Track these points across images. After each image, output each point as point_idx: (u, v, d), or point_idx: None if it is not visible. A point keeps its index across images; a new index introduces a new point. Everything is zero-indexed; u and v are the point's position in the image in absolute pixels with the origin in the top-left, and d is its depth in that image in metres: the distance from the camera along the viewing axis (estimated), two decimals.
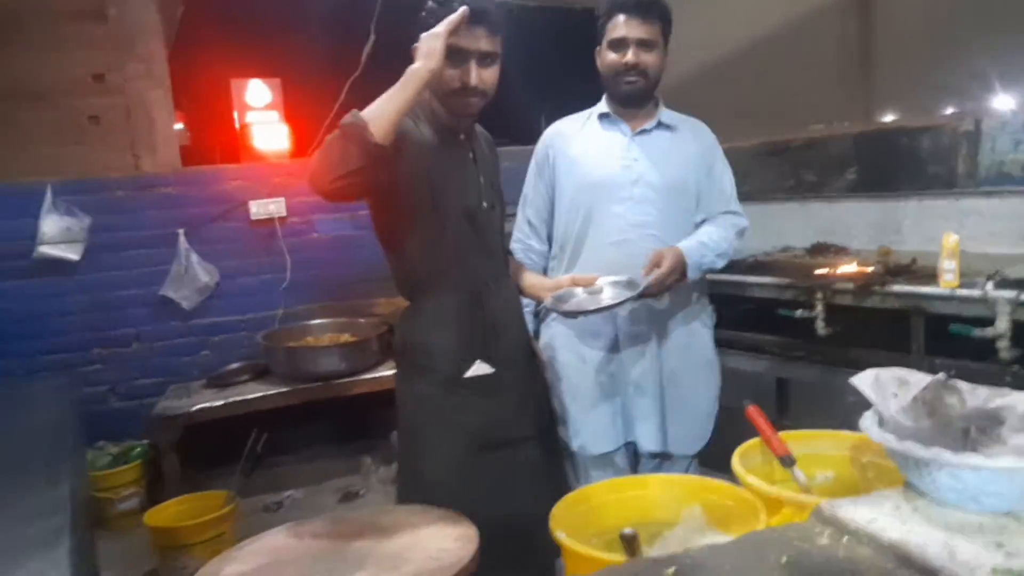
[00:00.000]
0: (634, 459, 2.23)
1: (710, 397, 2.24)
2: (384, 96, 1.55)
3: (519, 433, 1.87)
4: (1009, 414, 1.00)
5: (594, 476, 2.14)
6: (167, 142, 3.40)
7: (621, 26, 2.04)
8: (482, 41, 1.67)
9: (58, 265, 3.14)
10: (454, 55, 1.63)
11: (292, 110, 3.84)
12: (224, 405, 3.03)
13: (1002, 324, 1.89)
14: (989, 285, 1.94)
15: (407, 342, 1.82)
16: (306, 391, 3.13)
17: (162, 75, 3.36)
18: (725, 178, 2.27)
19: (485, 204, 1.85)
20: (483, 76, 1.69)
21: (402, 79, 1.58)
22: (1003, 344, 1.90)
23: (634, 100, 2.13)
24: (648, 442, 2.13)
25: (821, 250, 2.98)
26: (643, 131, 2.14)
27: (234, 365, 3.32)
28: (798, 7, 4.08)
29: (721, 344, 2.79)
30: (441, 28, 1.58)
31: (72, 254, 3.15)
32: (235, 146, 3.78)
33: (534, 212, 2.23)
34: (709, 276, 2.53)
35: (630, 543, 1.06)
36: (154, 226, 3.30)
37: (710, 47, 4.26)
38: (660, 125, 2.16)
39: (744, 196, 3.54)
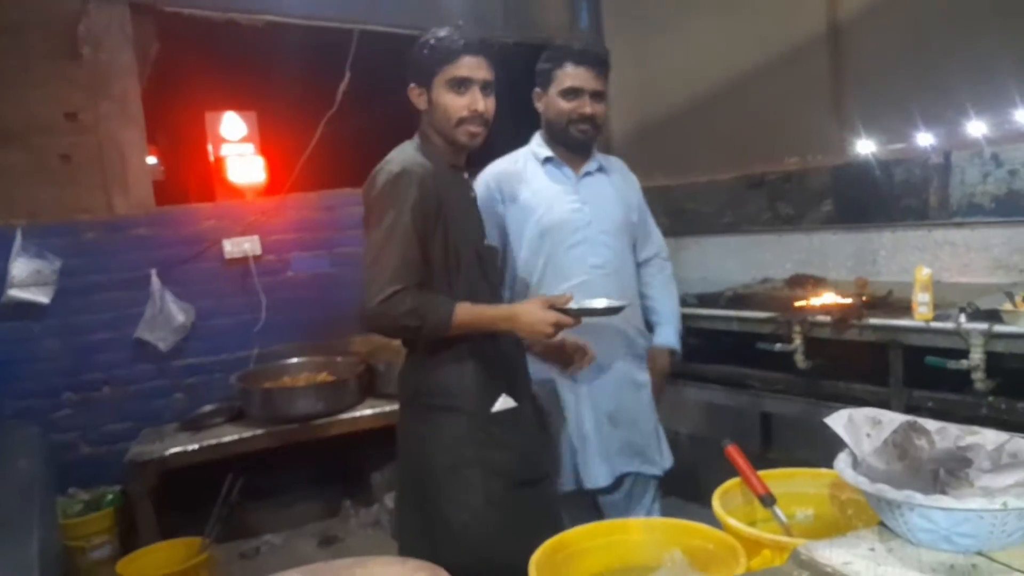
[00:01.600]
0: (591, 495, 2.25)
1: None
2: (475, 317, 1.70)
3: (543, 469, 1.89)
4: (976, 454, 0.99)
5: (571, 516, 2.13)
6: (140, 181, 3.37)
7: (574, 76, 2.11)
8: (483, 70, 1.74)
9: (27, 309, 3.08)
10: (458, 85, 1.71)
11: (267, 144, 3.84)
12: (198, 449, 2.97)
13: (976, 356, 1.90)
14: (962, 317, 1.95)
15: (425, 384, 1.77)
16: (283, 433, 3.07)
17: (136, 114, 3.34)
18: (649, 216, 2.42)
19: (487, 241, 1.89)
20: (487, 104, 1.75)
21: (497, 319, 1.72)
22: (978, 376, 1.90)
23: (583, 148, 2.21)
24: (607, 477, 2.18)
25: (799, 282, 3.00)
26: (587, 174, 2.22)
27: (208, 408, 3.26)
28: (771, 43, 4.15)
29: (700, 377, 2.80)
30: (554, 322, 1.70)
31: (42, 297, 3.09)
32: (210, 180, 3.77)
33: None
34: (689, 311, 2.60)
35: None
36: (127, 268, 3.25)
37: (686, 82, 4.33)
38: (600, 168, 2.25)
39: (724, 228, 3.61)
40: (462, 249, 1.74)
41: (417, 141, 1.80)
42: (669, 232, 3.83)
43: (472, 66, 1.72)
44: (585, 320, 1.93)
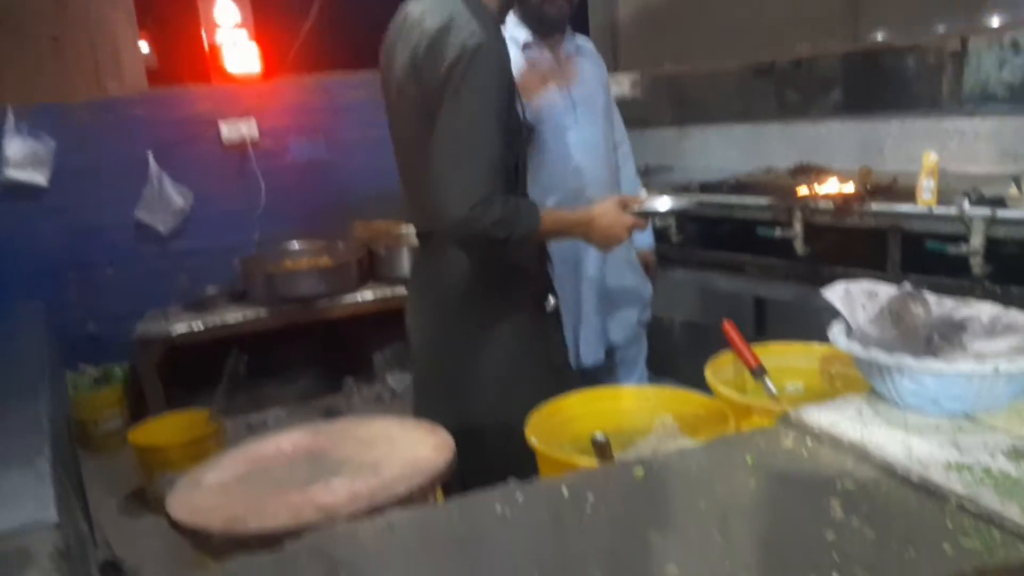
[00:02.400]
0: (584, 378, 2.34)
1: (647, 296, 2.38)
2: (557, 224, 1.59)
3: (567, 357, 1.92)
4: (972, 322, 1.02)
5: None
6: (132, 64, 3.29)
7: None
8: None
9: (26, 191, 3.08)
10: None
11: (262, 29, 3.70)
12: (204, 329, 3.04)
13: (976, 241, 1.91)
14: (966, 203, 1.95)
15: (483, 278, 1.61)
16: (285, 313, 3.14)
17: None
18: (613, 100, 2.36)
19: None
20: None
21: (577, 224, 1.61)
22: (976, 260, 1.92)
23: (559, 24, 2.10)
24: (597, 354, 2.25)
25: (803, 171, 2.97)
26: (567, 55, 2.16)
27: (212, 290, 3.30)
28: None
29: (699, 264, 2.83)
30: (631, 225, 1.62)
31: (39, 178, 3.08)
32: (204, 68, 3.66)
33: None
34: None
35: (602, 448, 1.09)
36: (122, 149, 3.22)
37: None
38: (578, 49, 2.19)
39: (729, 118, 3.54)
40: (520, 130, 1.56)
41: None
42: (674, 121, 3.80)
43: None
44: (580, 202, 1.94)
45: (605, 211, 1.60)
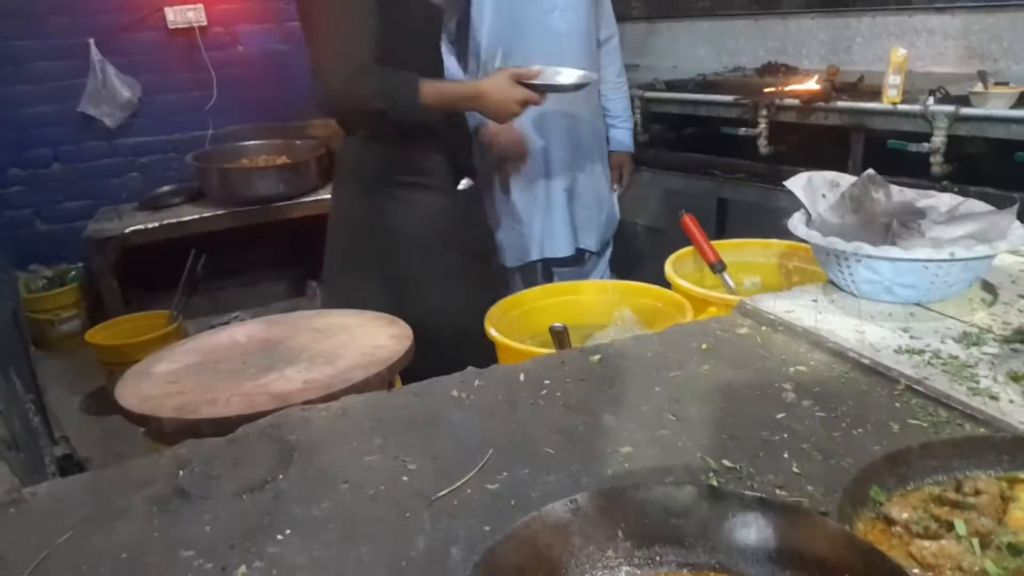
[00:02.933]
0: (548, 270, 2.38)
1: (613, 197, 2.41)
2: (442, 97, 1.57)
3: (492, 242, 1.93)
4: (930, 212, 1.02)
5: (519, 285, 2.29)
6: None
7: None
8: None
9: None
10: None
11: None
12: (159, 227, 2.94)
13: (938, 139, 1.91)
14: (930, 100, 1.93)
15: (391, 163, 1.66)
16: (244, 214, 3.05)
17: None
18: None
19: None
20: None
21: (464, 97, 1.61)
22: (937, 159, 1.92)
23: None
24: (567, 247, 2.27)
25: (771, 70, 2.91)
26: None
27: (166, 187, 3.19)
28: None
29: (663, 165, 2.79)
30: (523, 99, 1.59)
31: None
32: None
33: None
34: (652, 95, 2.57)
35: (559, 336, 1.09)
36: (60, 35, 3.01)
37: None
38: None
39: (699, 12, 3.42)
40: (411, 9, 1.56)
41: None
42: (641, 15, 3.67)
43: None
44: (548, 101, 1.87)
45: (496, 85, 1.59)
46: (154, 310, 2.84)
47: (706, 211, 2.95)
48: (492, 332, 1.17)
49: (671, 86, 2.75)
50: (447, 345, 1.36)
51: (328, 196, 3.12)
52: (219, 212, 3.02)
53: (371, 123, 1.63)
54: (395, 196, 1.69)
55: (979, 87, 1.90)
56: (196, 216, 3.00)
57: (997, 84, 1.94)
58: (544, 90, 1.68)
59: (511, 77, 1.61)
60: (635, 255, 2.91)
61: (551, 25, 2.04)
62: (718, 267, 1.46)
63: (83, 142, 3.15)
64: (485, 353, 1.24)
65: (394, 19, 1.52)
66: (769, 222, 2.18)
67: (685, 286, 1.30)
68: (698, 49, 3.42)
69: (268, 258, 3.56)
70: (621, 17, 3.67)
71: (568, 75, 1.77)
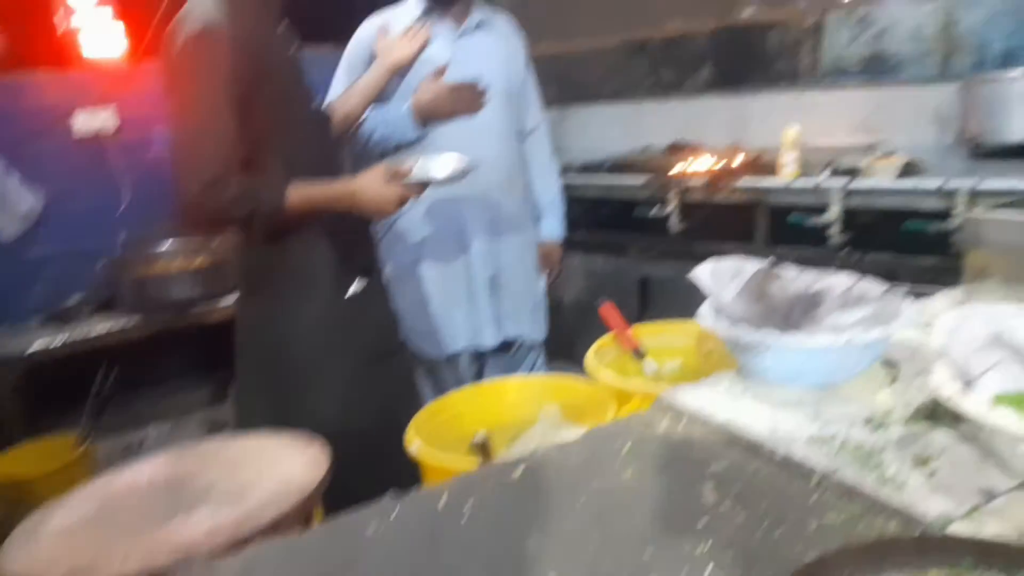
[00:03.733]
0: (478, 361, 2.36)
1: (541, 286, 2.40)
2: (311, 199, 1.55)
3: (397, 342, 1.88)
4: (827, 296, 1.06)
5: (446, 379, 2.27)
6: None
7: None
8: None
9: None
10: None
11: (127, 7, 3.41)
12: (66, 343, 2.80)
13: (834, 211, 2.02)
14: (824, 175, 2.05)
15: (273, 270, 1.64)
16: (160, 321, 2.94)
17: None
18: (533, 82, 2.34)
19: (320, 103, 1.73)
20: None
21: (335, 199, 1.58)
22: (834, 230, 2.03)
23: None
24: (492, 338, 2.25)
25: (678, 149, 3.05)
26: (466, 31, 2.14)
27: (73, 299, 3.05)
28: None
29: (584, 247, 2.86)
30: (398, 197, 1.60)
31: None
32: (62, 53, 3.34)
33: None
34: (571, 179, 2.63)
35: (483, 449, 1.07)
36: None
37: None
38: (480, 24, 2.16)
39: (608, 96, 3.59)
40: (291, 115, 1.57)
41: None
42: (555, 101, 3.81)
43: None
44: (468, 184, 1.90)
45: (368, 184, 1.59)
46: (63, 429, 2.67)
47: (629, 289, 3.03)
48: (413, 447, 1.13)
49: (585, 169, 2.85)
50: (364, 460, 1.32)
51: None
52: (132, 321, 2.90)
53: (240, 229, 1.62)
54: (275, 303, 1.65)
55: (867, 161, 2.03)
56: (107, 327, 2.87)
57: (883, 156, 2.08)
58: (420, 185, 1.69)
59: (384, 174, 1.62)
60: (566, 334, 2.92)
61: (465, 119, 2.06)
62: (638, 354, 1.48)
63: None
64: (407, 464, 1.21)
65: (275, 122, 1.53)
66: (690, 296, 2.26)
67: (607, 378, 1.30)
68: (609, 130, 3.57)
69: (186, 364, 3.41)
70: None
71: (444, 167, 1.77)
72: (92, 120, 3.11)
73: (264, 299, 1.67)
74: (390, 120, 2.05)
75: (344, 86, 2.07)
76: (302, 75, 1.69)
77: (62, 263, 3.15)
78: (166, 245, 3.22)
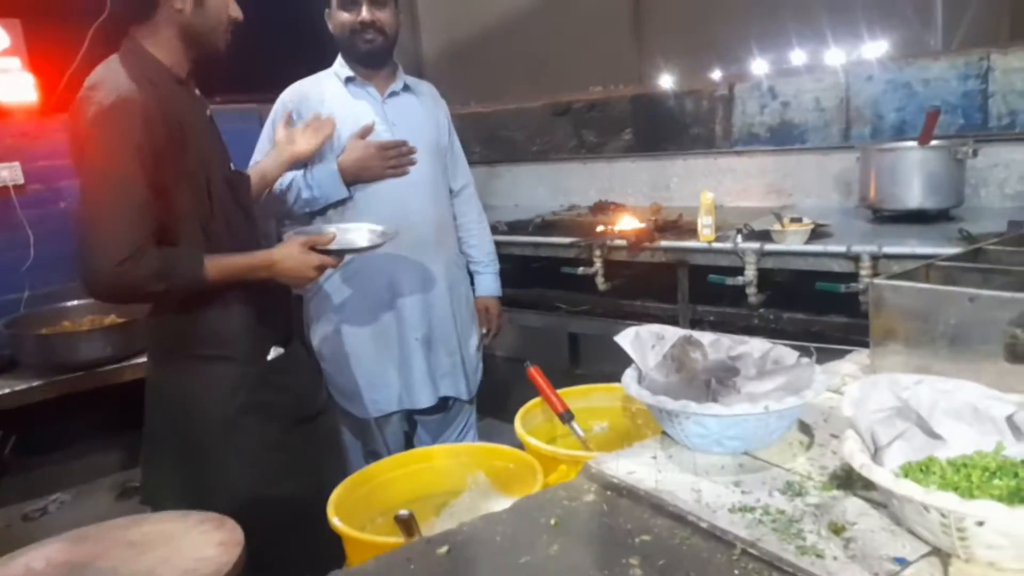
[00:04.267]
0: (409, 421, 2.32)
1: (475, 342, 2.38)
2: (230, 271, 1.53)
3: (320, 405, 1.83)
4: (744, 363, 1.10)
5: (375, 441, 2.23)
6: None
7: None
8: None
9: None
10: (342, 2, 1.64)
11: (39, 58, 3.30)
12: None
13: (750, 272, 2.10)
14: (739, 238, 2.14)
15: (188, 334, 1.58)
16: (66, 383, 2.76)
17: None
18: (458, 144, 2.39)
19: (234, 167, 1.70)
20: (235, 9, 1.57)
21: (254, 268, 1.57)
22: (751, 291, 2.11)
23: (375, 59, 2.12)
24: (428, 398, 2.21)
25: (602, 208, 3.14)
26: (392, 93, 2.17)
27: None
28: None
29: (514, 303, 2.88)
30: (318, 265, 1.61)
31: None
32: None
33: None
34: (500, 238, 2.67)
35: (407, 525, 1.04)
36: None
37: (495, 8, 4.28)
38: (406, 88, 2.20)
39: (534, 156, 3.67)
40: (210, 178, 1.54)
41: (123, 57, 1.50)
42: (483, 160, 3.88)
43: None
44: (397, 243, 1.92)
45: (288, 254, 1.60)
46: None
47: (558, 345, 3.06)
48: (335, 522, 1.10)
49: (513, 228, 2.88)
50: (285, 530, 1.27)
51: None
52: (34, 383, 2.72)
53: (155, 302, 1.58)
54: (185, 369, 1.60)
55: (777, 225, 2.14)
56: (6, 390, 2.69)
57: (792, 220, 2.18)
58: (339, 254, 1.70)
59: (304, 244, 1.62)
60: (499, 388, 2.92)
61: (396, 179, 2.08)
62: (566, 417, 1.49)
63: None
64: (330, 538, 1.17)
65: (192, 190, 1.50)
66: (618, 353, 2.30)
67: (535, 444, 1.30)
68: (536, 189, 3.64)
69: (95, 427, 3.22)
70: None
71: (363, 236, 1.81)
72: None
73: (176, 363, 1.62)
74: (318, 181, 2.04)
75: (260, 152, 2.07)
76: (219, 137, 1.67)
77: None
78: (73, 303, 3.07)
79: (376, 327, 2.16)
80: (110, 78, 1.43)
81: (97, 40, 2.97)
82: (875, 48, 3.31)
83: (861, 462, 0.79)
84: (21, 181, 3.03)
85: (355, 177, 2.03)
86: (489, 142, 3.88)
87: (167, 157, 1.44)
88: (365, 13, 2.02)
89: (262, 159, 1.98)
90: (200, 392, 1.59)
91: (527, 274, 2.88)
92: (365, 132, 2.04)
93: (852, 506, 0.88)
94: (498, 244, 2.81)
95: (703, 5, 4.01)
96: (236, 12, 1.56)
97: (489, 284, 2.42)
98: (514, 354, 3.33)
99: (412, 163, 2.06)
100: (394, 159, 2.03)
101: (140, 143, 1.39)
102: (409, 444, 2.33)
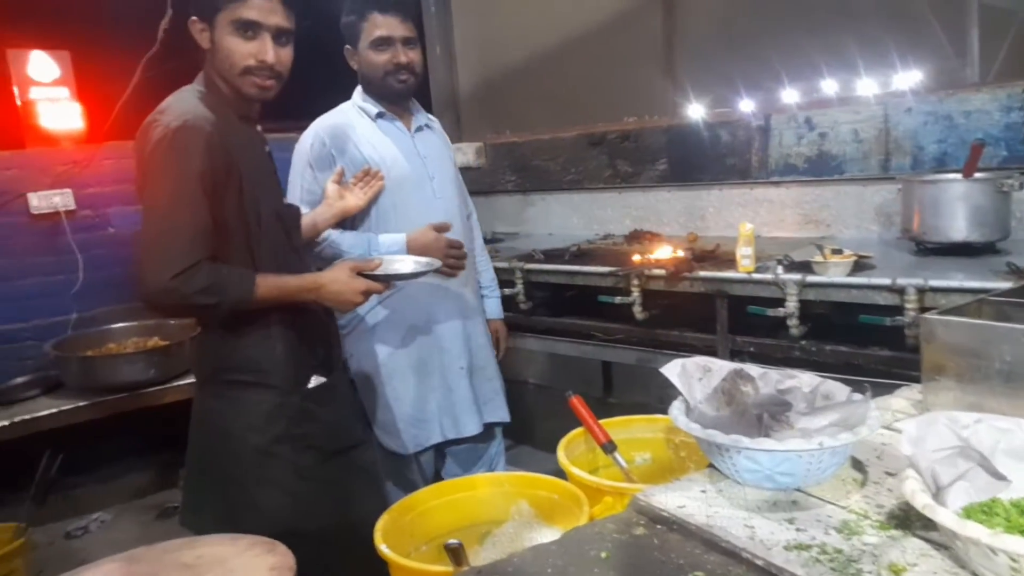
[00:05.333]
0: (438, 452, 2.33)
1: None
2: (279, 290, 1.57)
3: (357, 437, 1.85)
4: (795, 397, 1.09)
5: (421, 471, 2.23)
6: None
7: (382, 25, 2.08)
8: (277, 15, 1.56)
9: None
10: (245, 28, 1.54)
11: (86, 88, 3.43)
12: (9, 425, 2.67)
13: (791, 304, 2.08)
14: (779, 269, 2.13)
15: (229, 360, 1.62)
16: (109, 404, 2.83)
17: None
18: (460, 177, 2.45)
19: (287, 199, 1.78)
20: (280, 55, 1.58)
21: (302, 290, 1.60)
22: (793, 322, 2.09)
23: (405, 98, 2.20)
24: (475, 425, 2.24)
25: (637, 237, 3.14)
26: (419, 129, 2.25)
27: (19, 379, 2.93)
28: (609, 4, 4.27)
29: (547, 331, 2.89)
30: (364, 290, 1.64)
31: None
32: (18, 128, 3.32)
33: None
34: (532, 267, 2.70)
35: (456, 554, 1.05)
36: None
37: (529, 40, 4.36)
38: (427, 124, 2.29)
39: (568, 185, 3.70)
40: (261, 211, 1.59)
41: (200, 87, 1.60)
42: (517, 188, 3.92)
43: (263, 9, 1.53)
44: (429, 281, 1.98)
45: (335, 277, 1.64)
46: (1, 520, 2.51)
47: (592, 373, 3.05)
48: (383, 549, 1.10)
49: (549, 256, 2.89)
50: (322, 558, 1.28)
51: None
52: (80, 404, 2.79)
53: (204, 317, 1.62)
54: (225, 395, 1.63)
55: (818, 256, 2.12)
56: (53, 410, 2.76)
57: (833, 252, 2.16)
58: (386, 280, 1.74)
59: (351, 269, 1.65)
60: (528, 414, 2.92)
61: (431, 210, 2.16)
62: (609, 448, 1.49)
63: None
64: (371, 560, 1.17)
65: (247, 216, 1.56)
66: (653, 381, 2.29)
67: (579, 475, 1.30)
68: (570, 218, 3.67)
69: (134, 447, 3.28)
70: (498, 190, 3.95)
71: (408, 264, 1.86)
72: (47, 199, 3.08)
73: (217, 388, 1.65)
74: (386, 246, 2.08)
75: (299, 187, 2.12)
76: (274, 172, 1.73)
77: (10, 342, 3.05)
78: (118, 325, 3.14)
79: (418, 360, 2.18)
80: (178, 105, 1.52)
81: (148, 72, 3.08)
82: (908, 78, 3.29)
83: (924, 502, 0.78)
84: (72, 207, 3.13)
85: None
86: (523, 171, 3.91)
87: (223, 184, 1.50)
88: (402, 56, 2.10)
89: (312, 211, 2.03)
90: (237, 419, 1.62)
91: (562, 302, 2.89)
92: (443, 228, 2.10)
93: (912, 546, 0.86)
94: (533, 272, 2.84)
95: (733, 37, 4.03)
96: (245, 60, 1.55)
97: (496, 308, 2.49)
98: (546, 382, 3.33)
99: (463, 268, 2.15)
100: (453, 259, 2.10)
101: (200, 167, 1.45)
102: (438, 476, 2.33)
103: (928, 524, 0.85)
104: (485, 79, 4.58)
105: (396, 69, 2.10)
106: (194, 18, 1.57)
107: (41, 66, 3.27)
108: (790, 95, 3.46)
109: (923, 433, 0.88)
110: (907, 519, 0.91)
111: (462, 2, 4.38)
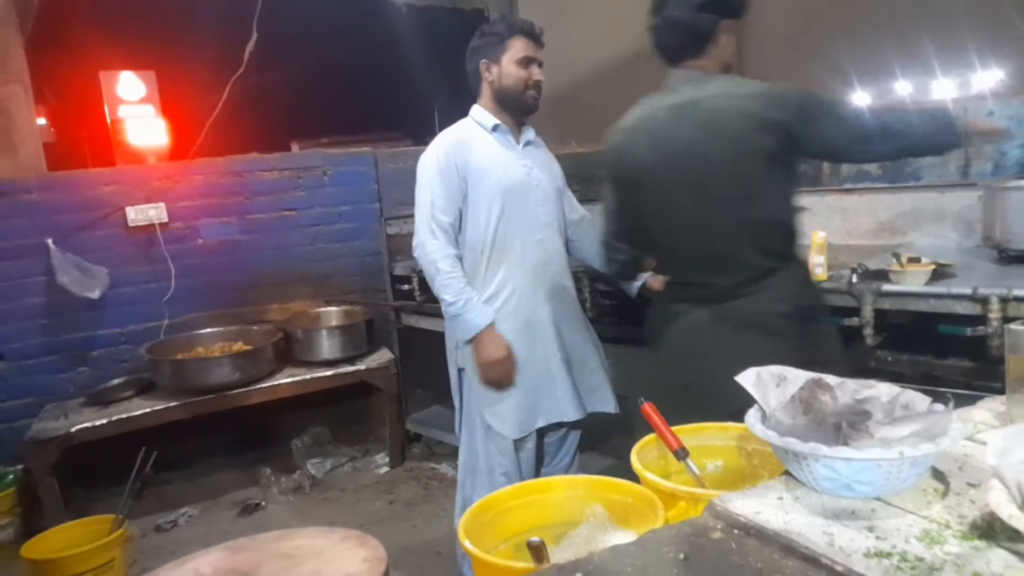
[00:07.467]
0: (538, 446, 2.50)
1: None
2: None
3: None
4: (873, 407, 1.10)
5: (521, 455, 2.42)
6: (28, 142, 3.15)
7: (527, 46, 2.32)
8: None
9: None
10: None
11: (169, 106, 3.65)
12: (107, 424, 2.87)
13: (866, 313, 2.05)
14: (854, 278, 2.10)
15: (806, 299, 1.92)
16: (197, 404, 3.00)
17: (18, 68, 3.11)
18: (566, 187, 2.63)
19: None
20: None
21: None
22: (868, 332, 2.06)
23: (531, 112, 2.41)
24: (574, 412, 2.41)
25: None
26: (527, 143, 2.44)
27: (116, 381, 3.14)
28: None
29: (621, 340, 2.91)
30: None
31: None
32: (107, 144, 3.56)
33: (449, 220, 2.32)
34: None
35: (538, 551, 1.09)
36: (16, 236, 3.06)
37: (595, 53, 4.41)
38: (533, 139, 2.47)
39: None
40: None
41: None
42: (581, 198, 3.93)
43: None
44: (543, 276, 2.33)
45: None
46: (95, 511, 2.69)
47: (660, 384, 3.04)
48: (467, 545, 1.16)
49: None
50: None
51: (284, 380, 3.13)
52: (171, 404, 2.97)
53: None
54: (811, 331, 1.92)
55: (895, 264, 2.08)
56: (146, 409, 2.94)
57: (910, 260, 2.12)
58: None
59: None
60: (595, 421, 2.94)
61: (537, 216, 2.37)
62: (681, 454, 1.50)
63: (30, 339, 3.12)
64: None
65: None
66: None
67: (654, 480, 1.33)
68: None
69: (219, 446, 3.46)
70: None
71: None
72: (144, 212, 3.28)
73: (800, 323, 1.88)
74: (474, 308, 2.28)
75: (444, 199, 2.29)
76: None
77: (107, 346, 3.25)
78: (207, 331, 3.32)
79: (526, 352, 2.35)
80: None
81: (235, 91, 3.25)
82: (987, 79, 3.19)
83: (1009, 512, 0.79)
84: (165, 219, 3.33)
85: (480, 349, 2.28)
86: (588, 181, 3.94)
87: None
88: (539, 75, 2.34)
89: None
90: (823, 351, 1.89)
91: (634, 311, 2.90)
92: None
93: (996, 557, 0.86)
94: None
95: (806, 43, 3.97)
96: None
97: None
98: (617, 389, 3.34)
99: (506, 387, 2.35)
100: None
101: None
102: (540, 462, 2.52)
103: (1014, 536, 0.85)
104: (551, 89, 4.63)
105: (534, 86, 2.34)
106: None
107: (129, 85, 3.50)
108: (862, 98, 3.39)
109: (1008, 444, 0.88)
110: (991, 530, 0.91)
111: (530, 12, 4.45)
